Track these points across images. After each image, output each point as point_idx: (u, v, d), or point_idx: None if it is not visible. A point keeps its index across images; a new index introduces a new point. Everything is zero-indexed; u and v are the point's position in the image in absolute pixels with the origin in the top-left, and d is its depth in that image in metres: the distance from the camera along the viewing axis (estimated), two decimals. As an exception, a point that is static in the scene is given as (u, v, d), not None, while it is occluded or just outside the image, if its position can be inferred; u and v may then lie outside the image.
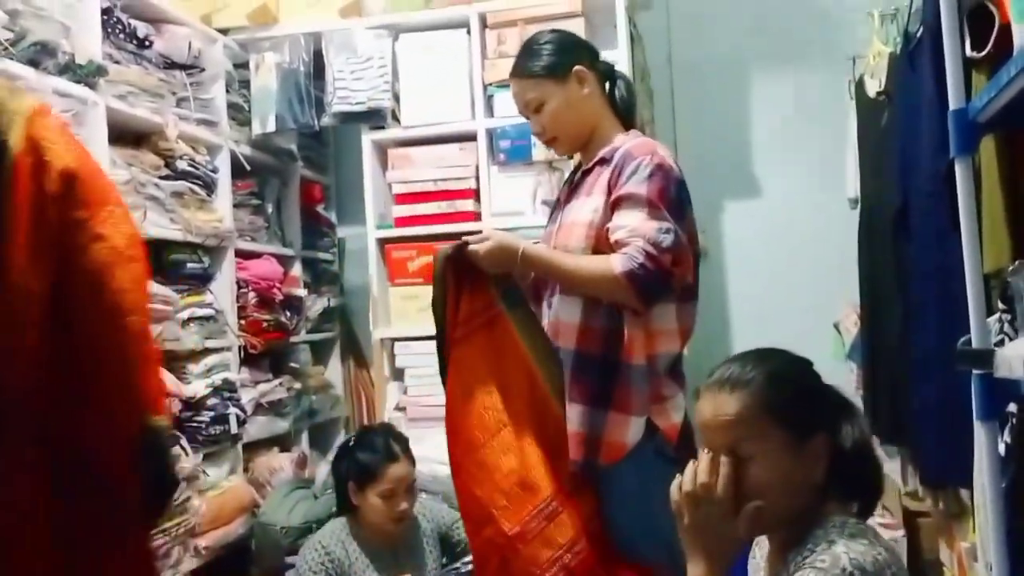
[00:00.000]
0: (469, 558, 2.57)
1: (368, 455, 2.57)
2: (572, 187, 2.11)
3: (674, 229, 1.89)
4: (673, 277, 1.89)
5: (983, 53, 1.71)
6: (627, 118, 2.13)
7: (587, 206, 2.00)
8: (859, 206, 3.34)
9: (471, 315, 2.02)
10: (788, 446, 1.33)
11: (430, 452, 2.77)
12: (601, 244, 1.95)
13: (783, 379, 1.38)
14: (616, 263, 1.86)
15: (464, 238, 2.04)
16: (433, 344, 2.12)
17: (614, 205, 1.94)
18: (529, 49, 2.10)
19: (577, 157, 2.22)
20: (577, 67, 2.06)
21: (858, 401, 3.28)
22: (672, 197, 1.93)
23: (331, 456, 3.52)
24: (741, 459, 1.33)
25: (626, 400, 1.92)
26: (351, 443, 2.66)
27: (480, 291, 2.04)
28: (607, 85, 2.13)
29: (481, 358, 2.02)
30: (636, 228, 1.87)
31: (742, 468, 1.33)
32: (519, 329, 2.02)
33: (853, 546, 1.25)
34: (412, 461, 2.61)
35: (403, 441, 2.63)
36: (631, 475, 1.91)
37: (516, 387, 1.99)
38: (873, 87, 2.94)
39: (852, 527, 1.30)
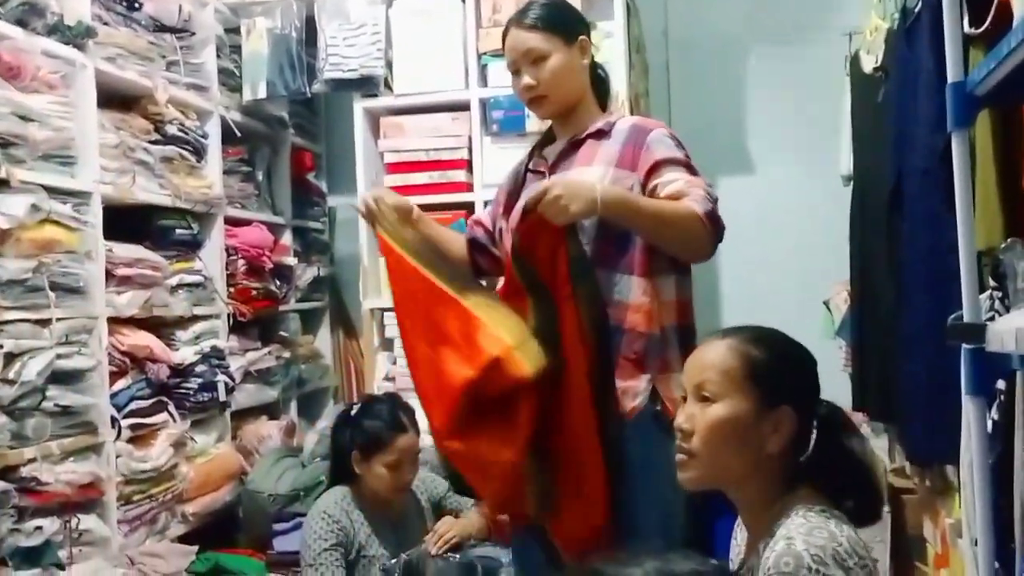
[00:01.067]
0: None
1: (376, 424, 2.54)
2: (558, 157, 2.07)
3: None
4: (723, 230, 1.92)
5: (981, 29, 1.70)
6: (603, 100, 2.16)
7: (589, 175, 1.97)
8: (852, 183, 3.34)
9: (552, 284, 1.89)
10: (753, 404, 1.35)
11: (424, 421, 2.78)
12: None
13: (771, 344, 1.41)
14: (695, 205, 1.85)
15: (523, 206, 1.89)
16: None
17: (652, 169, 1.94)
18: (537, 4, 2.06)
19: (542, 125, 2.20)
20: (583, 37, 2.06)
21: (845, 378, 3.32)
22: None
23: (320, 425, 3.53)
24: (705, 400, 1.38)
25: (633, 367, 1.92)
26: (354, 411, 2.64)
27: (553, 260, 1.88)
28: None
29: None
30: (691, 180, 1.91)
31: (703, 410, 1.37)
32: (585, 310, 1.88)
33: (813, 541, 1.25)
34: (418, 431, 2.59)
35: (410, 411, 2.60)
36: (629, 440, 1.91)
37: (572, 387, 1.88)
38: (869, 63, 2.93)
39: (814, 518, 1.29)
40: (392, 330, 3.36)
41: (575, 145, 2.05)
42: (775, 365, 1.38)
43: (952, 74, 1.53)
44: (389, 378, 3.35)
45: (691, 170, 1.95)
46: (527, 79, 2.03)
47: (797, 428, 1.36)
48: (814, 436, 1.37)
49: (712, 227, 1.86)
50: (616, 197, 1.84)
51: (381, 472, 2.52)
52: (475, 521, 2.72)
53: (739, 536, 1.50)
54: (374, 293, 3.40)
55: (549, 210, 1.81)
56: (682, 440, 1.39)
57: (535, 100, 2.05)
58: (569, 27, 2.05)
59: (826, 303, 3.63)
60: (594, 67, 2.13)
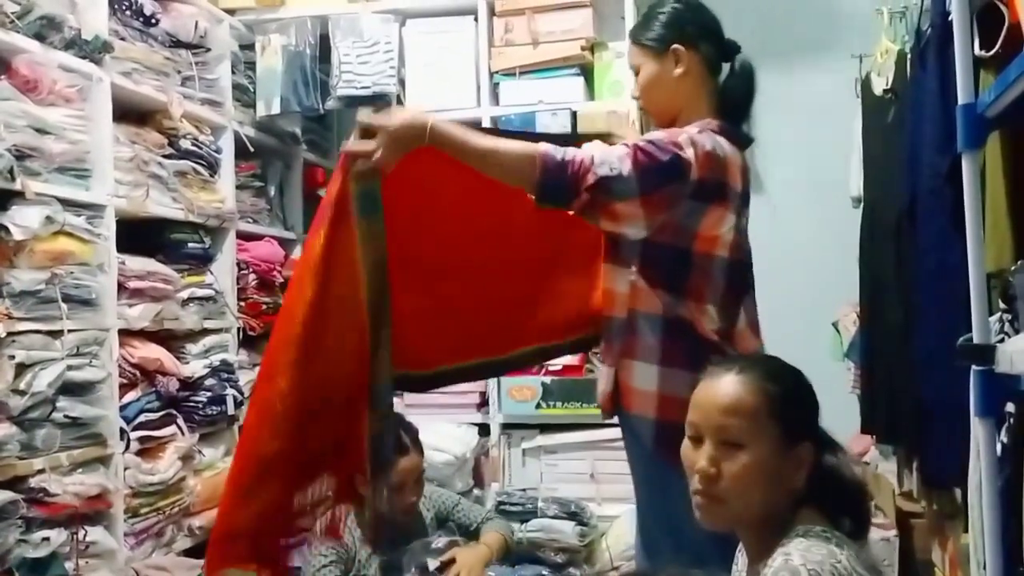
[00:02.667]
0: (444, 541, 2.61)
1: None
2: None
3: (629, 176, 1.73)
4: (577, 195, 1.73)
5: (991, 52, 1.71)
6: (729, 108, 2.01)
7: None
8: (862, 204, 3.34)
9: (327, 203, 1.89)
10: (778, 443, 1.32)
11: (429, 439, 2.77)
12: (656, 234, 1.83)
13: (784, 379, 1.38)
14: (542, 146, 1.76)
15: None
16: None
17: None
18: (647, 12, 2.01)
19: None
20: (676, 46, 1.93)
21: (854, 400, 3.31)
22: (655, 166, 1.76)
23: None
24: (728, 444, 1.32)
25: (634, 349, 1.86)
26: None
27: (342, 182, 1.87)
28: (722, 68, 2.01)
29: (321, 253, 1.85)
30: (627, 145, 1.77)
31: (728, 454, 1.32)
32: (361, 240, 1.85)
33: (810, 557, 1.24)
34: (421, 452, 2.56)
35: (412, 432, 2.57)
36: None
37: (338, 302, 1.84)
38: (880, 85, 2.94)
39: (814, 535, 1.29)
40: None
41: None
42: (793, 401, 1.36)
43: (963, 96, 1.54)
44: (396, 394, 3.34)
45: (627, 152, 1.74)
46: (633, 89, 2.04)
47: (817, 459, 1.35)
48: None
49: (544, 167, 1.72)
50: (444, 135, 1.84)
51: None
52: (483, 553, 2.67)
53: (740, 561, 1.49)
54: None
55: (384, 132, 1.83)
56: (708, 485, 1.33)
57: (641, 109, 2.06)
58: (659, 38, 1.94)
59: (835, 324, 3.62)
60: (728, 76, 2.01)
